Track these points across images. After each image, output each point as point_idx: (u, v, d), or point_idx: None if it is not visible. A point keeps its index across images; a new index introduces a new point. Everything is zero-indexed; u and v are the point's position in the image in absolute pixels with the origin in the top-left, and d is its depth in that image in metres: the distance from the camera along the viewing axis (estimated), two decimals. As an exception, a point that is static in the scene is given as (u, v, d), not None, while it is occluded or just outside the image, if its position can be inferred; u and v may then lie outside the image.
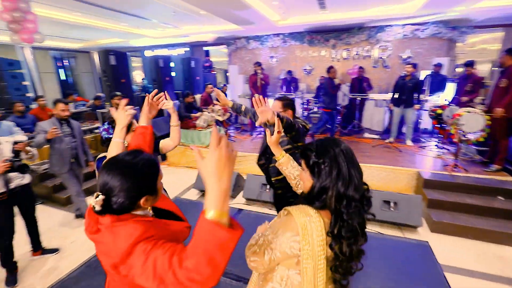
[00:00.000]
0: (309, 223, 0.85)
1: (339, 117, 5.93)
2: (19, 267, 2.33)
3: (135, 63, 12.18)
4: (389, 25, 6.09)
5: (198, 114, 5.53)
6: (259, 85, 5.60)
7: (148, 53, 9.55)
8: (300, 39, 6.90)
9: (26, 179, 2.28)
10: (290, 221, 0.87)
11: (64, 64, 9.96)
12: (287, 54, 7.30)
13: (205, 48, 9.00)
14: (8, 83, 6.46)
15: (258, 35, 7.31)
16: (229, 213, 0.65)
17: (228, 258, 0.63)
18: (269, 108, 1.46)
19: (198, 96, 6.32)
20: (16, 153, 2.06)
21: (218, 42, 8.05)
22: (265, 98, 1.53)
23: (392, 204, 2.99)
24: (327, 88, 5.06)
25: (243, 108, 2.14)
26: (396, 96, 4.66)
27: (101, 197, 0.77)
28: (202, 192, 3.99)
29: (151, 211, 0.95)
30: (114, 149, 1.22)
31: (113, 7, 4.83)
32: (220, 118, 5.80)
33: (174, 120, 1.73)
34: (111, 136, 1.62)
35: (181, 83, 7.61)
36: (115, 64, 5.00)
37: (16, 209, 2.29)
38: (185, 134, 5.34)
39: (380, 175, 3.80)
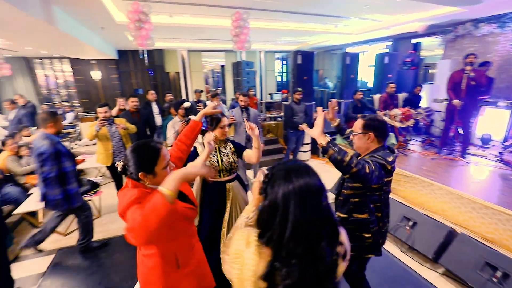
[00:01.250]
0: (246, 259, 0.75)
1: None
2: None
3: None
4: None
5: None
6: (464, 87, 4.00)
7: (349, 50, 9.61)
8: None
9: None
10: (232, 247, 0.83)
11: (283, 63, 12.41)
12: (554, 38, 4.48)
13: (413, 41, 7.56)
14: (244, 78, 9.26)
15: (496, 14, 5.04)
16: (174, 193, 0.92)
17: (158, 222, 0.88)
18: (320, 124, 1.37)
19: (377, 97, 5.63)
20: None
21: (430, 31, 6.47)
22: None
23: None
24: None
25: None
26: None
27: (122, 162, 1.15)
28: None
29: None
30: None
31: (309, 11, 5.35)
32: (396, 124, 4.87)
33: (255, 144, 1.89)
34: (204, 128, 2.00)
35: (370, 81, 7.07)
36: (301, 63, 5.61)
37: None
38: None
39: None
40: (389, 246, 2.85)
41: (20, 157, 3.79)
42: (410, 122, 4.96)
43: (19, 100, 5.35)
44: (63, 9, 4.22)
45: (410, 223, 2.78)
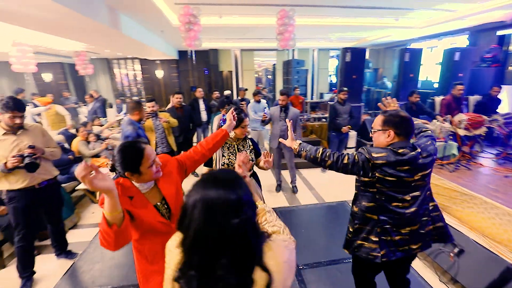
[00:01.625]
0: (172, 259, 0.75)
1: None
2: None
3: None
4: None
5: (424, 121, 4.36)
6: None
7: (415, 46, 8.56)
8: None
9: None
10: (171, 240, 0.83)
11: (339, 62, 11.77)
12: None
13: (499, 33, 6.27)
14: (294, 77, 9.09)
15: None
16: (118, 215, 0.99)
17: (112, 238, 1.00)
18: (290, 135, 1.56)
19: (439, 99, 4.86)
20: None
21: (522, 20, 5.28)
22: None
23: None
24: None
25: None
26: None
27: (110, 162, 1.23)
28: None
29: (145, 186, 1.24)
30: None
31: (362, 4, 4.94)
32: (460, 132, 4.14)
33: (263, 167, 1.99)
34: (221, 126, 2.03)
35: (436, 81, 6.16)
36: (349, 61, 5.23)
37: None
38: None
39: None
40: (426, 273, 2.46)
41: (89, 142, 4.50)
42: (481, 131, 4.15)
43: (94, 94, 6.37)
44: (128, 16, 4.83)
45: (456, 250, 2.34)
